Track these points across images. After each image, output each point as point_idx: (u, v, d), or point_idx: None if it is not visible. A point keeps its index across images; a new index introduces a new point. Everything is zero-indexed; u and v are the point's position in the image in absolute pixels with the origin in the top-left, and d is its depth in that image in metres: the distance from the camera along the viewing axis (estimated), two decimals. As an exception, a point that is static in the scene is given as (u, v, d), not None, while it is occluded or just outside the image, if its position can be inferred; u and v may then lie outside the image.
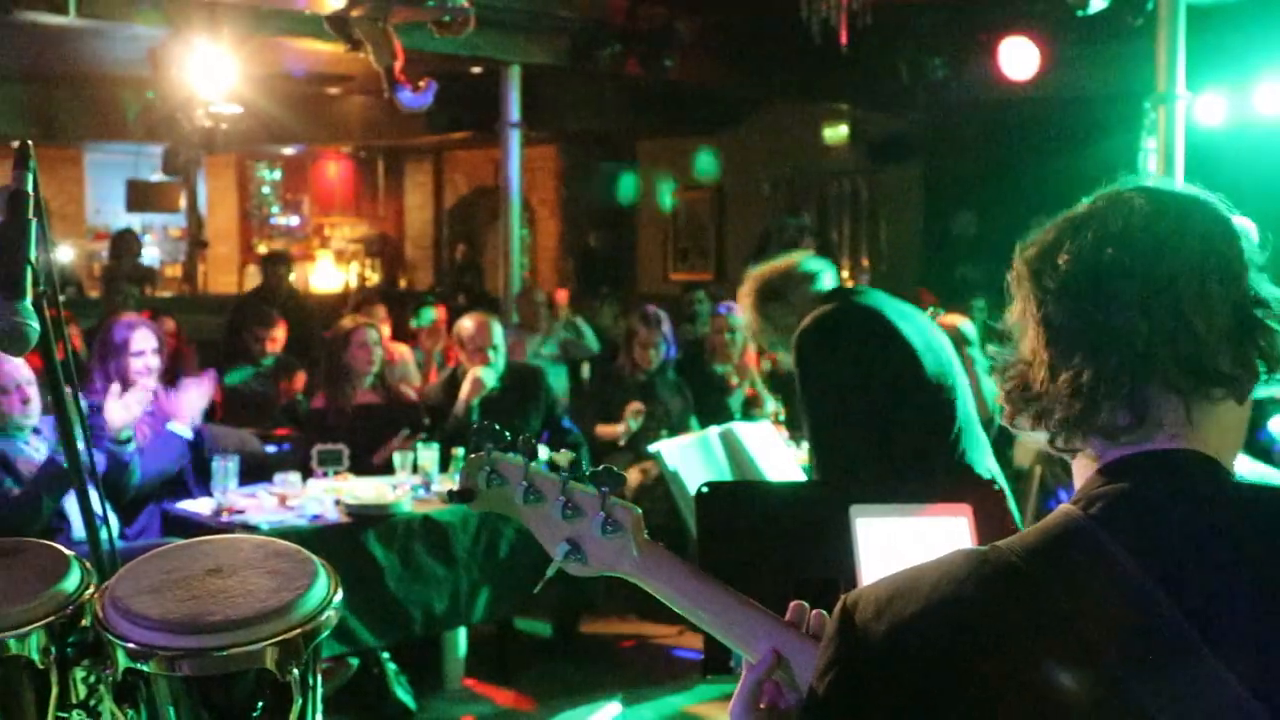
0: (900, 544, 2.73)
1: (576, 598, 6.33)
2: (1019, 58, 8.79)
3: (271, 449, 6.98)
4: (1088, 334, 1.31)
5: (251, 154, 16.23)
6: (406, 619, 5.47)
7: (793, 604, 1.63)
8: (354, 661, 5.59)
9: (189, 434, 5.52)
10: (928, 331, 4.22)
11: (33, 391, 4.95)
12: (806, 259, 4.32)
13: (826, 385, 4.07)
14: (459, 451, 5.91)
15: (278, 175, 16.95)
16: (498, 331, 6.41)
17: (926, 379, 4.05)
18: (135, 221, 15.34)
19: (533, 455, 1.75)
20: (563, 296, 10.53)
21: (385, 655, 5.67)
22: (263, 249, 12.29)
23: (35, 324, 1.97)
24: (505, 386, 6.43)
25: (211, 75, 7.41)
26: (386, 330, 8.24)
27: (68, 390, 2.15)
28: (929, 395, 4.07)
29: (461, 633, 5.98)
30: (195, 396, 5.55)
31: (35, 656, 2.06)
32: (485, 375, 6.26)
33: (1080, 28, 7.93)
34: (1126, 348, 1.29)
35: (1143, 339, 1.29)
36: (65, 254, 15.11)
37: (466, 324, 6.50)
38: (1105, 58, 9.10)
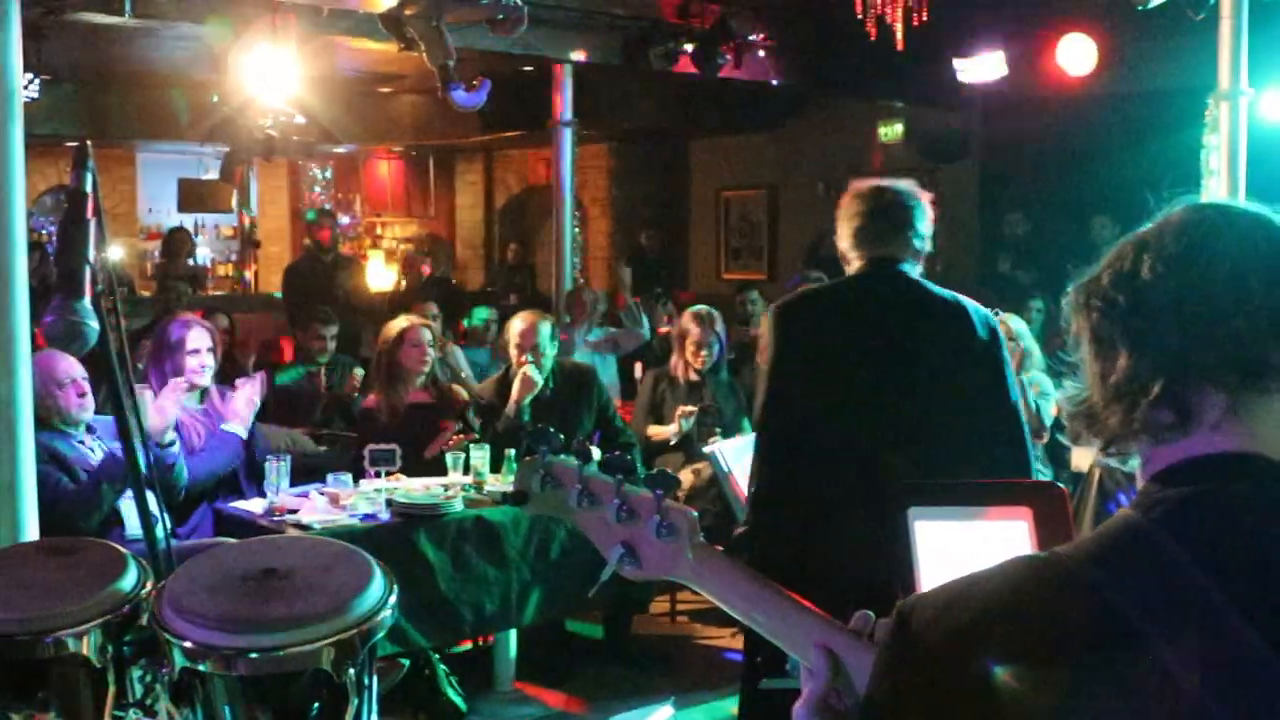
0: (959, 547, 2.69)
1: (627, 599, 6.31)
2: (1077, 54, 8.71)
3: (323, 449, 7.02)
4: (1125, 338, 1.31)
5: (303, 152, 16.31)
6: (457, 620, 5.46)
7: (857, 613, 1.61)
8: (405, 662, 5.59)
9: (244, 433, 5.54)
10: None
11: (88, 387, 4.99)
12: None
13: None
14: (511, 452, 5.90)
15: (329, 175, 17.03)
16: (545, 331, 6.40)
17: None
18: (187, 221, 15.46)
19: (587, 458, 1.74)
20: (622, 300, 10.50)
21: (436, 656, 5.67)
22: (311, 215, 12.33)
23: (94, 323, 1.98)
24: (557, 386, 6.42)
25: (276, 78, 7.44)
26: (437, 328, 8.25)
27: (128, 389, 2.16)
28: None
29: (512, 634, 5.97)
30: (248, 397, 5.58)
31: (93, 655, 2.07)
32: (534, 373, 6.25)
33: (1140, 23, 7.84)
34: (1160, 347, 1.28)
35: (1176, 337, 1.28)
36: (117, 253, 15.25)
37: (516, 323, 6.50)
38: (1165, 53, 8.99)
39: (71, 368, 4.98)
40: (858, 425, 4.01)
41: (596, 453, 1.77)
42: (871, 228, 4.10)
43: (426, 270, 13.45)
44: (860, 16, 7.86)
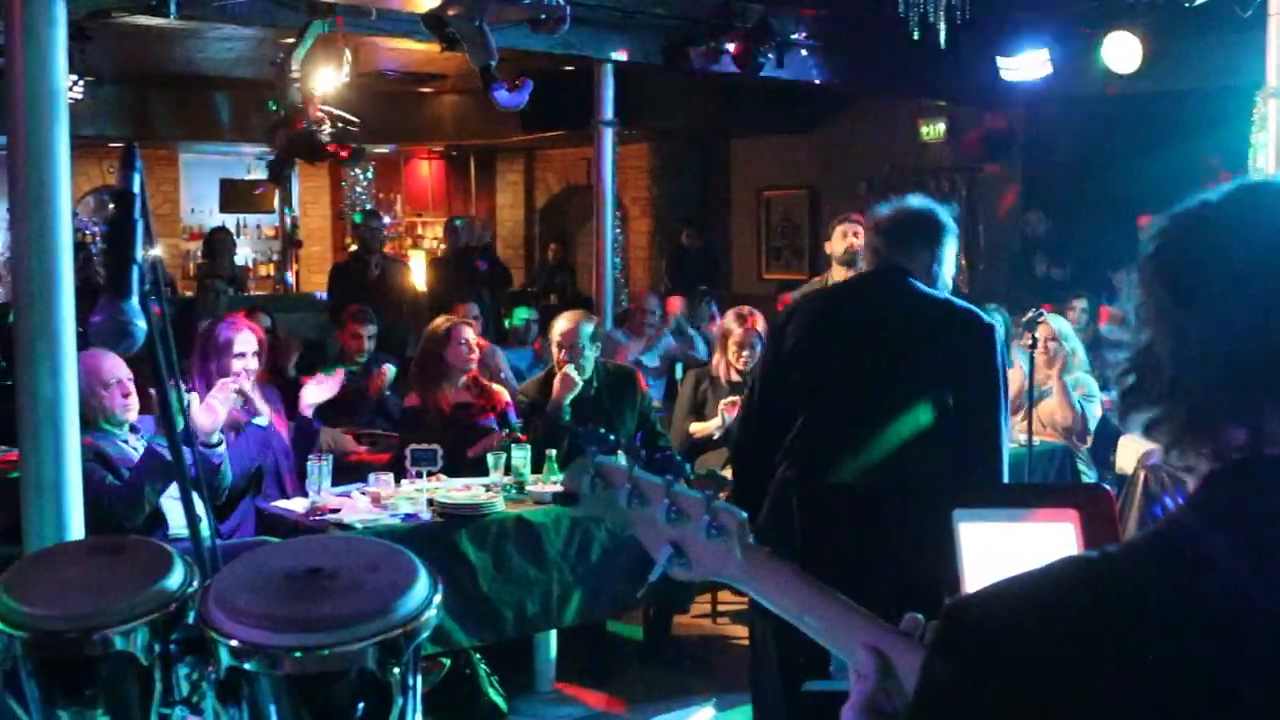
0: (1004, 549, 2.67)
1: (668, 600, 6.30)
2: (1122, 52, 8.64)
3: (364, 448, 7.04)
4: (1185, 338, 1.25)
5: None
6: (498, 620, 5.47)
7: (907, 616, 1.60)
8: (446, 661, 5.60)
9: (265, 422, 5.57)
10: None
11: (133, 388, 5.03)
12: None
13: None
14: (552, 453, 5.90)
15: (370, 175, 17.10)
16: (587, 331, 6.39)
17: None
18: (229, 221, 15.55)
19: (637, 459, 1.73)
20: (674, 304, 10.48)
21: (477, 656, 5.68)
22: (357, 216, 12.34)
23: (142, 323, 1.99)
24: (600, 387, 6.41)
25: (331, 80, 7.47)
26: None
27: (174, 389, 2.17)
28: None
29: (553, 634, 5.97)
30: (325, 388, 5.63)
31: (139, 653, 2.08)
32: (574, 373, 6.24)
33: (1186, 20, 7.78)
34: (1224, 350, 1.23)
35: (1230, 340, 1.22)
36: (158, 253, 15.36)
37: (559, 323, 6.49)
38: (1212, 50, 8.92)
39: (117, 368, 5.01)
40: (824, 426, 4.04)
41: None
42: (877, 243, 4.18)
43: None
44: (903, 15, 7.82)
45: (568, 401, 6.26)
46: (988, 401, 3.98)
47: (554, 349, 6.45)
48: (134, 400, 5.07)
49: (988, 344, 4.02)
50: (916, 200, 4.23)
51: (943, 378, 4.00)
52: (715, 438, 6.88)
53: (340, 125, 7.30)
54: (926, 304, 4.07)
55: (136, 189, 2.12)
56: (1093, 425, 7.31)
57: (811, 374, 4.08)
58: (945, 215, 4.20)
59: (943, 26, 7.98)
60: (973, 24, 8.01)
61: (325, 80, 7.69)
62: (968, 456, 3.97)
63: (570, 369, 6.25)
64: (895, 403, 3.97)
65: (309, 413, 6.05)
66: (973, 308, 4.21)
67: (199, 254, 14.81)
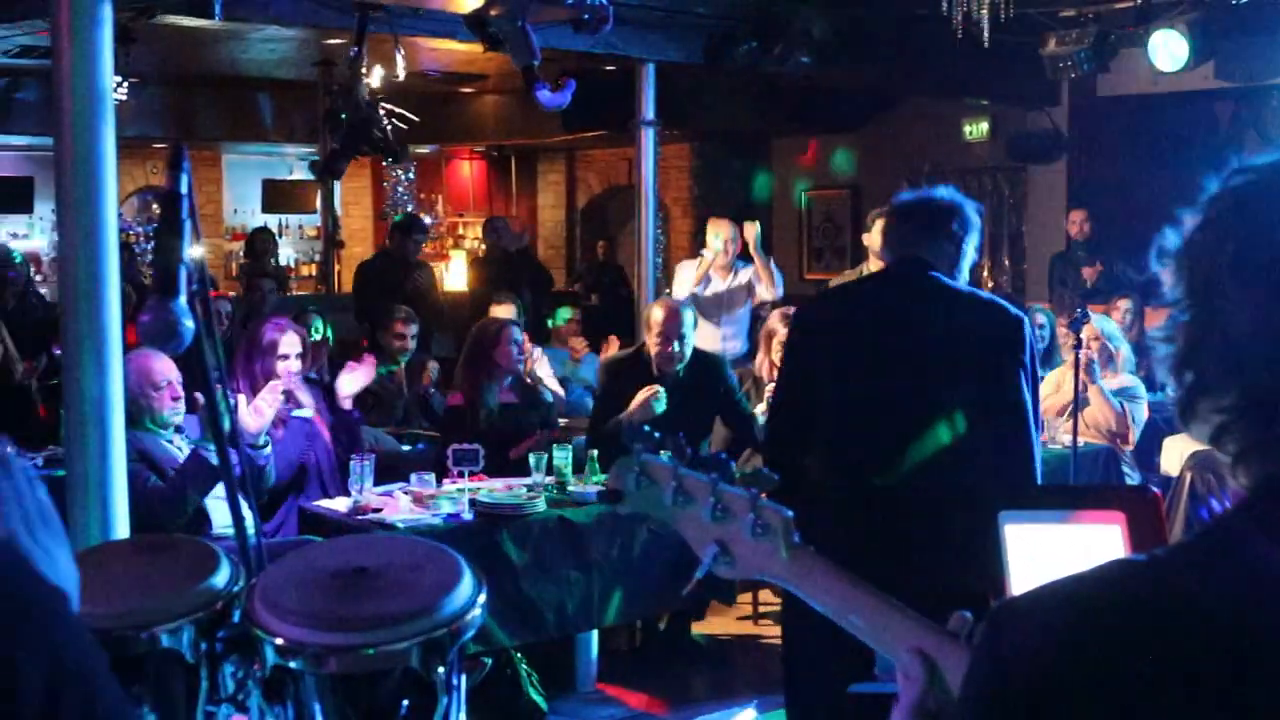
0: (1050, 552, 2.65)
1: (711, 600, 6.29)
2: (1169, 50, 8.57)
3: (406, 448, 7.06)
4: (1246, 315, 1.20)
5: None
6: (539, 619, 5.47)
7: (954, 615, 1.59)
8: (487, 661, 5.61)
9: (309, 414, 5.60)
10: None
11: (182, 391, 5.06)
12: None
13: None
14: (594, 453, 5.90)
15: (412, 175, 17.16)
16: (689, 318, 6.34)
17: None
18: (271, 221, 15.64)
19: (682, 457, 1.72)
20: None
21: (518, 655, 5.69)
22: (398, 217, 12.35)
23: (189, 322, 2.00)
24: (685, 370, 6.37)
25: (388, 79, 7.51)
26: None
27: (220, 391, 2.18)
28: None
29: (594, 634, 5.97)
30: (357, 377, 5.66)
31: (186, 651, 2.09)
32: (659, 405, 6.10)
33: (1234, 17, 7.71)
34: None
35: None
36: (197, 252, 15.47)
37: (656, 311, 6.40)
38: (1261, 47, 8.83)
39: (168, 369, 5.05)
40: (851, 424, 4.01)
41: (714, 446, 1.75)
42: (899, 229, 4.13)
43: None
44: (946, 13, 7.78)
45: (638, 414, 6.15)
46: (1019, 396, 3.91)
47: (652, 339, 6.38)
48: (182, 404, 5.11)
49: (1017, 336, 3.95)
50: (942, 191, 4.16)
51: (972, 373, 3.94)
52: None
53: (394, 122, 7.33)
54: (952, 298, 4.02)
55: (184, 189, 2.13)
56: (1139, 427, 7.25)
57: (836, 371, 4.05)
58: (970, 208, 4.12)
59: (986, 25, 7.94)
60: (1017, 21, 7.96)
61: (379, 78, 7.73)
62: (1000, 452, 3.91)
63: (660, 399, 6.13)
64: (924, 401, 3.92)
65: (348, 404, 6.07)
66: (999, 300, 4.15)
67: (241, 254, 14.90)
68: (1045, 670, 1.19)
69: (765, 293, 8.83)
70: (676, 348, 6.28)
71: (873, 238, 6.91)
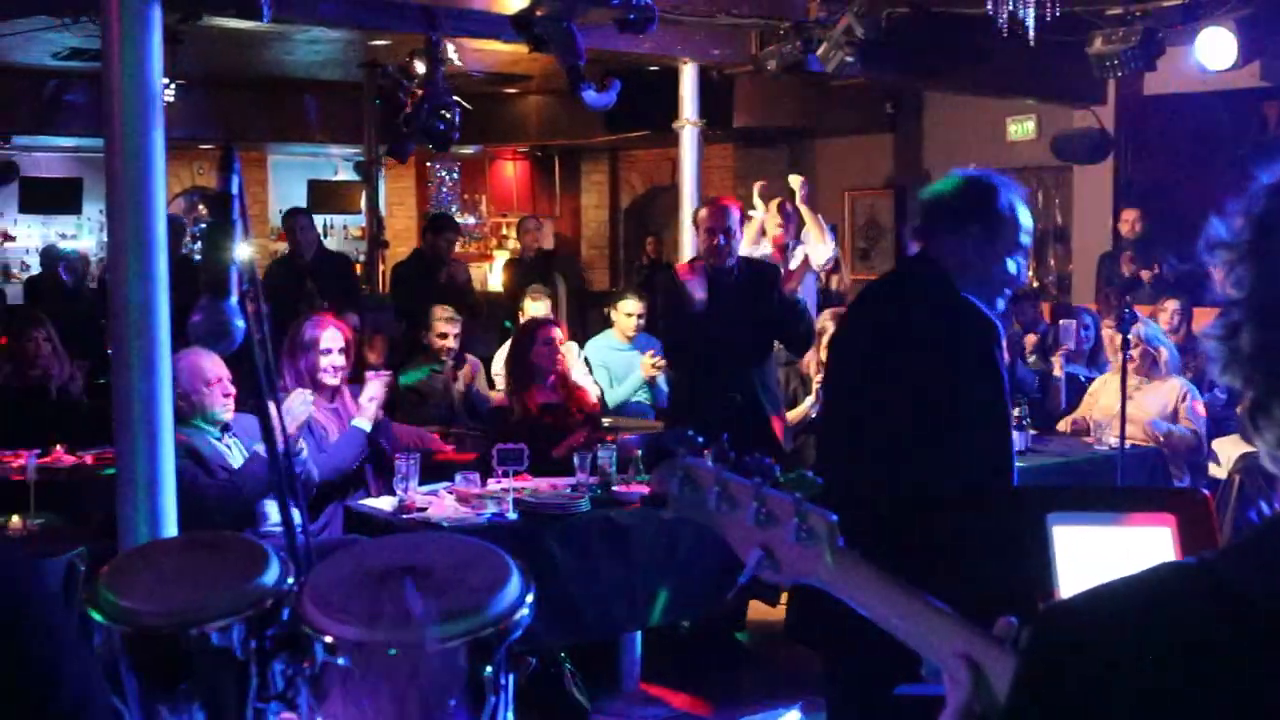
0: (1099, 554, 2.64)
1: (756, 601, 6.28)
2: (1217, 48, 8.49)
3: (450, 448, 7.08)
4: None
5: (430, 154, 16.52)
6: (583, 620, 5.48)
7: (1000, 620, 1.58)
8: (531, 660, 5.61)
9: (368, 427, 5.62)
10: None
11: (233, 389, 5.10)
12: None
13: None
14: (638, 453, 5.91)
15: (456, 175, 17.20)
16: (734, 215, 6.52)
17: None
18: (316, 221, 15.70)
19: (726, 461, 1.72)
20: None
21: (562, 655, 5.69)
22: (436, 215, 12.37)
23: (240, 322, 2.02)
24: (741, 277, 6.52)
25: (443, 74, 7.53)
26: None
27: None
28: None
29: (638, 634, 5.97)
30: (373, 393, 5.66)
31: (235, 648, 2.11)
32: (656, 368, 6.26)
33: (1282, 14, 7.63)
34: None
35: None
36: (246, 252, 15.54)
37: (702, 210, 6.66)
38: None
39: (219, 367, 5.09)
40: (837, 433, 3.96)
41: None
42: (918, 221, 3.87)
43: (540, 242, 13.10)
44: (990, 11, 7.74)
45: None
46: (993, 402, 3.64)
47: (701, 236, 6.58)
48: (232, 401, 5.15)
49: (989, 343, 3.62)
50: (972, 178, 3.79)
51: (932, 383, 3.65)
52: (813, 415, 6.89)
53: (452, 116, 7.37)
54: (920, 307, 3.75)
55: (235, 190, 2.15)
56: (1201, 421, 7.17)
57: (830, 379, 4.03)
58: (1002, 198, 3.70)
59: (1031, 23, 7.89)
60: (1063, 20, 7.91)
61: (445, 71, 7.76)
62: (970, 462, 3.67)
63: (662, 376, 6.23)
64: (883, 411, 3.72)
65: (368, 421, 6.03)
66: (975, 303, 3.72)
67: (286, 253, 14.96)
68: (1097, 674, 1.19)
69: (820, 249, 8.76)
70: (723, 241, 6.38)
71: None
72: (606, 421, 6.86)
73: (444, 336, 7.86)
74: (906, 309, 3.76)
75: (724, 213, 6.47)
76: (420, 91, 7.38)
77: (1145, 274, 10.40)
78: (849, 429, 3.86)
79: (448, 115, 7.24)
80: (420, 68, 7.74)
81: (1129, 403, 6.98)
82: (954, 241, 3.67)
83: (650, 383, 7.86)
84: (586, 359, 8.10)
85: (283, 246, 15.80)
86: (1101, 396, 7.37)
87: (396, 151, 8.07)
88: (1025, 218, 3.73)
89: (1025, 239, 3.77)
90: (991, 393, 3.61)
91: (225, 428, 5.23)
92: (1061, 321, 8.34)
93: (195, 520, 4.59)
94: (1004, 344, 3.68)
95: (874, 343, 3.82)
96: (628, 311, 8.24)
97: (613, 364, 8.05)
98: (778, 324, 6.51)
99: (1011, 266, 3.73)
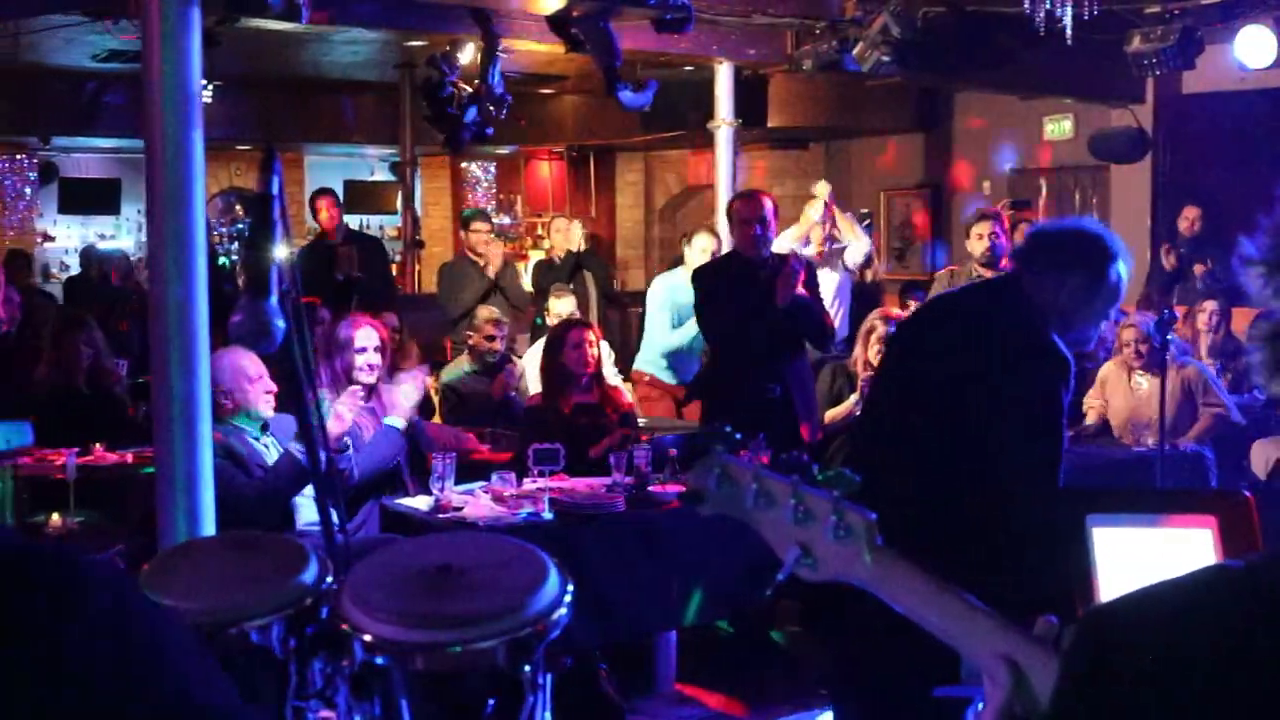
0: (1140, 556, 2.62)
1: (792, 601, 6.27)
2: (1256, 46, 8.43)
3: (486, 448, 7.10)
4: None
5: (466, 154, 16.57)
6: (618, 619, 5.47)
7: (1040, 620, 1.57)
8: (566, 659, 5.62)
9: (403, 425, 5.63)
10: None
11: (274, 385, 5.13)
12: None
13: None
14: (673, 453, 5.91)
15: (491, 175, 17.25)
16: (769, 205, 6.57)
17: None
18: (352, 222, 15.76)
19: (764, 457, 1.72)
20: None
21: (597, 654, 5.69)
22: (467, 212, 12.36)
23: (280, 322, 2.03)
24: (770, 266, 6.55)
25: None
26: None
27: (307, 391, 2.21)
28: None
29: (673, 634, 5.97)
30: (410, 390, 5.66)
31: (275, 646, 2.12)
32: None
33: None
34: None
35: None
36: (283, 253, 15.62)
37: (737, 201, 6.74)
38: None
39: (260, 365, 5.11)
40: (882, 429, 3.96)
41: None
42: (1026, 247, 3.97)
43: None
44: (1028, 10, 7.71)
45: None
46: (1049, 436, 3.71)
47: (736, 227, 6.65)
48: (273, 399, 5.17)
49: (1060, 379, 3.69)
50: (1090, 223, 4.00)
51: (1003, 404, 3.71)
52: (857, 413, 6.89)
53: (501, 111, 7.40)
54: (1011, 333, 3.79)
55: (275, 191, 2.16)
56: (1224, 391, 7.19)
57: (882, 377, 4.00)
58: (1106, 252, 3.75)
59: (1069, 21, 7.85)
60: (1101, 18, 7.87)
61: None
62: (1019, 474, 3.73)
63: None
64: (944, 418, 3.76)
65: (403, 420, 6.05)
66: (1054, 342, 3.76)
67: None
68: (1142, 676, 1.18)
69: (856, 246, 8.76)
70: (759, 231, 6.43)
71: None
72: (642, 421, 6.85)
73: (491, 339, 7.81)
74: (993, 330, 3.82)
75: (758, 203, 6.50)
76: (470, 85, 7.36)
77: (1199, 268, 10.32)
78: (899, 428, 3.88)
79: (494, 111, 7.25)
80: (463, 58, 7.73)
81: (1144, 396, 6.95)
82: (1055, 281, 3.73)
83: None
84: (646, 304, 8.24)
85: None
86: (1113, 396, 7.34)
87: (453, 142, 8.01)
88: (1123, 289, 3.82)
89: (1114, 309, 3.95)
90: (1051, 427, 3.71)
91: (264, 426, 5.25)
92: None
93: (232, 520, 4.61)
94: (1072, 383, 3.76)
95: (953, 354, 3.84)
96: (702, 248, 8.20)
97: (681, 303, 8.01)
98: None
99: (1093, 326, 3.89)
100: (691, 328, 7.77)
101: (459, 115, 7.29)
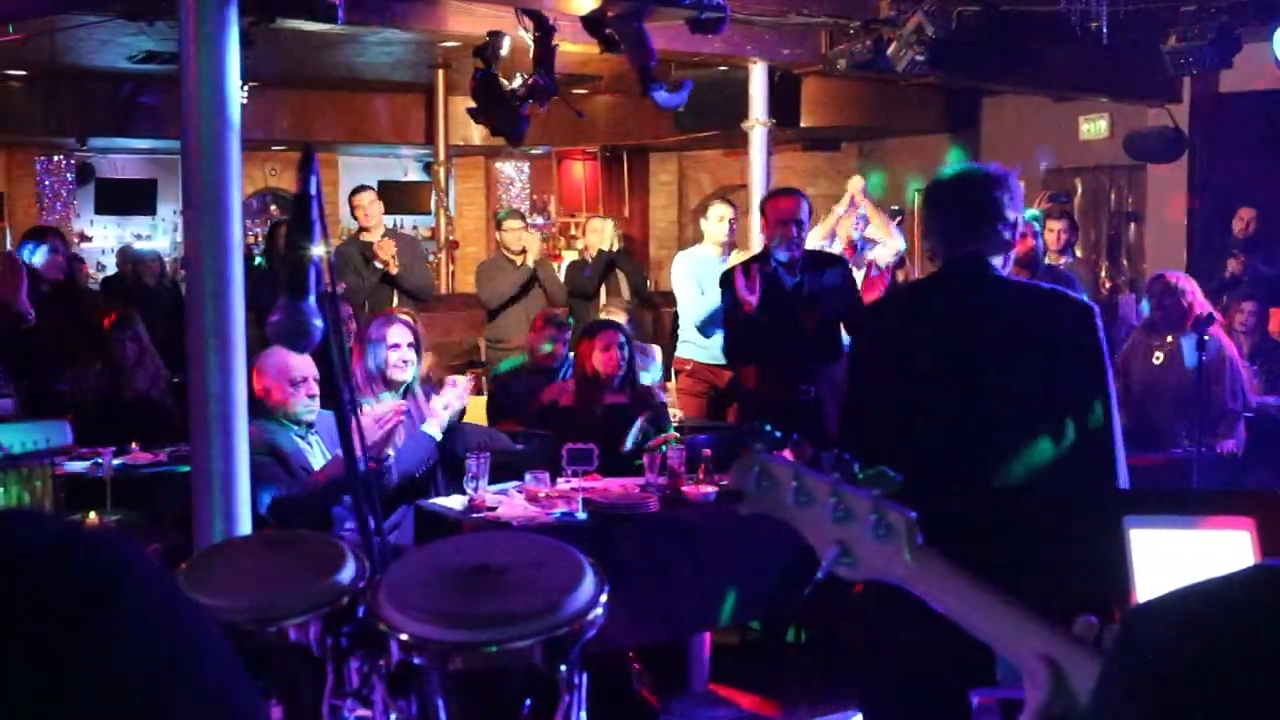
0: (1177, 557, 2.61)
1: (826, 602, 6.25)
2: (1294, 46, 8.37)
3: (520, 447, 7.09)
4: None
5: (500, 154, 16.61)
6: (652, 620, 5.46)
7: (1080, 619, 1.56)
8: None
9: (438, 435, 5.62)
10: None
11: (318, 389, 5.13)
12: None
13: None
14: (706, 453, 5.90)
15: (525, 175, 17.27)
16: (805, 205, 6.53)
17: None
18: (387, 221, 15.79)
19: (802, 456, 1.72)
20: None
21: (630, 655, 5.69)
22: (501, 213, 12.35)
23: (319, 322, 2.04)
24: (804, 268, 6.57)
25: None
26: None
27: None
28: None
29: (707, 635, 5.96)
30: (447, 401, 5.64)
31: (312, 645, 2.13)
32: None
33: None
34: None
35: None
36: (321, 252, 15.68)
37: (776, 198, 6.68)
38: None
39: (307, 366, 5.10)
40: (921, 437, 3.83)
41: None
42: (950, 224, 3.81)
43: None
44: (1064, 9, 7.67)
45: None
46: (1094, 390, 3.64)
47: (769, 224, 6.58)
48: (317, 402, 5.17)
49: (1087, 327, 3.65)
50: (957, 168, 3.91)
51: (1038, 373, 3.68)
52: None
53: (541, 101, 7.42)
54: (1017, 295, 3.79)
55: (313, 191, 2.17)
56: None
57: (899, 378, 3.82)
58: (1013, 180, 3.76)
59: (1105, 20, 7.81)
60: (1136, 17, 7.83)
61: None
62: (1078, 454, 3.67)
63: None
64: (994, 405, 3.69)
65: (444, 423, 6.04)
66: (1061, 289, 3.88)
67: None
68: (1186, 676, 1.17)
69: (888, 244, 8.70)
70: (795, 231, 6.41)
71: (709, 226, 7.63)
72: (676, 418, 6.84)
73: (550, 356, 7.60)
74: (999, 304, 3.79)
75: (793, 201, 6.47)
76: (527, 77, 7.33)
77: (1233, 262, 10.25)
78: (948, 424, 3.79)
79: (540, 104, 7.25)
80: (504, 50, 7.71)
81: (1163, 362, 6.86)
82: (995, 232, 3.73)
83: None
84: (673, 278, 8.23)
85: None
86: (1133, 366, 7.26)
87: (515, 136, 7.94)
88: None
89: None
90: (1102, 379, 3.69)
91: (309, 426, 5.26)
92: (1120, 297, 8.30)
93: (273, 520, 4.62)
94: None
95: (958, 338, 3.78)
96: (719, 216, 8.17)
97: (703, 275, 8.00)
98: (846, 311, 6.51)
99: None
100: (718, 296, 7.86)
101: (517, 108, 7.27)
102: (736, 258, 7.97)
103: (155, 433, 6.47)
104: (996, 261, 3.74)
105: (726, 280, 6.79)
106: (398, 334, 5.67)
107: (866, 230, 8.68)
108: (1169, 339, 7.05)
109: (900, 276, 9.80)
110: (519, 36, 7.32)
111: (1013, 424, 3.66)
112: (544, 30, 7.09)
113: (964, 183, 3.81)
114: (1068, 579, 3.27)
